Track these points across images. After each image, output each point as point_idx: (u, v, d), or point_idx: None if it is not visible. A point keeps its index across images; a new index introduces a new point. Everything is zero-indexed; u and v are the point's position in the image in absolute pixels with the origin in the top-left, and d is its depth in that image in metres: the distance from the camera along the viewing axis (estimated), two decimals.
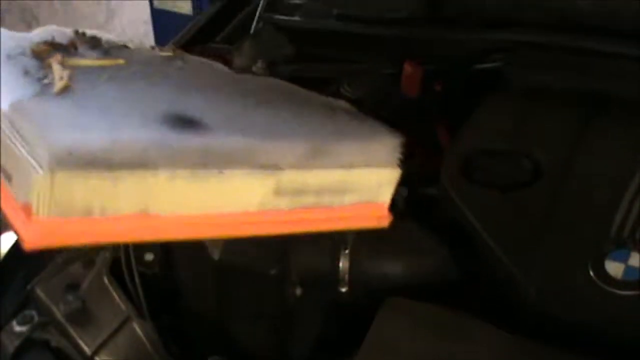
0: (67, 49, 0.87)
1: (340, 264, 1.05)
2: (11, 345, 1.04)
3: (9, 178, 0.68)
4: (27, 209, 0.64)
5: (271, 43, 1.39)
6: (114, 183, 0.65)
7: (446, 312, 0.94)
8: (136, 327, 1.02)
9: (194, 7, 2.75)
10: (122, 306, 1.05)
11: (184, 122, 0.72)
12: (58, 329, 1.05)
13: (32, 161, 0.63)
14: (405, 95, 1.32)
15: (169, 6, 2.80)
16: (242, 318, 1.07)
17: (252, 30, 1.47)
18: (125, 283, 1.09)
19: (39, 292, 1.09)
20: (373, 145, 0.84)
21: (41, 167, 0.62)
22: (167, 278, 1.15)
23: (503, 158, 1.12)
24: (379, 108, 1.28)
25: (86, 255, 1.13)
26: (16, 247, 1.16)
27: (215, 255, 1.04)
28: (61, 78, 0.76)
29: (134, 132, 0.67)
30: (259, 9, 1.48)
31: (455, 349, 0.89)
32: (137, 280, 1.09)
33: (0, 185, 0.69)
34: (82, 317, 1.04)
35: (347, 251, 1.05)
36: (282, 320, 1.07)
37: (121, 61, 0.87)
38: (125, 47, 0.96)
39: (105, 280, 1.08)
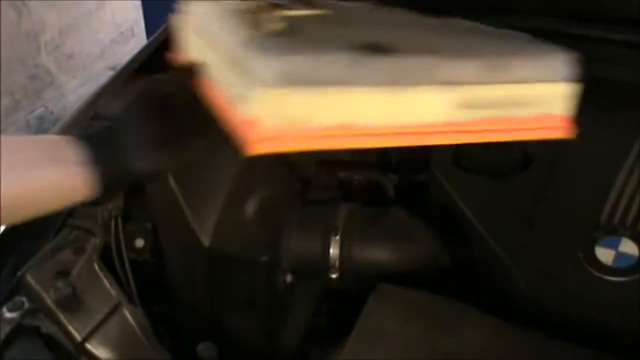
0: (279, 7, 0.94)
1: (331, 250, 1.05)
2: (1, 332, 1.02)
3: (237, 97, 0.80)
4: (251, 121, 0.76)
5: None
6: (320, 97, 0.77)
7: (437, 299, 0.94)
8: (127, 313, 1.01)
9: None
10: (113, 293, 1.04)
11: (377, 48, 0.82)
12: (48, 316, 1.04)
13: (255, 81, 0.75)
14: None
15: None
16: (232, 305, 1.07)
17: None
18: (115, 270, 1.08)
19: (29, 279, 1.08)
20: (546, 60, 0.87)
21: (262, 85, 0.75)
22: (158, 265, 1.14)
23: (493, 145, 1.11)
24: None
25: (76, 241, 1.12)
26: (5, 234, 1.15)
27: (206, 241, 1.03)
28: (278, 27, 0.86)
29: (335, 55, 0.78)
30: None
31: (446, 337, 0.89)
32: (127, 266, 1.08)
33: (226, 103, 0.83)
34: (72, 303, 1.03)
35: (337, 237, 1.05)
36: (273, 307, 1.07)
37: (322, 12, 0.96)
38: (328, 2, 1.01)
39: (96, 267, 1.07)
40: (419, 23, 1.01)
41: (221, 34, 0.87)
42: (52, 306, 1.03)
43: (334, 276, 1.06)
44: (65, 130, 1.27)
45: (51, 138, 0.86)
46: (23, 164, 0.83)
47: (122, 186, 0.90)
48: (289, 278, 1.07)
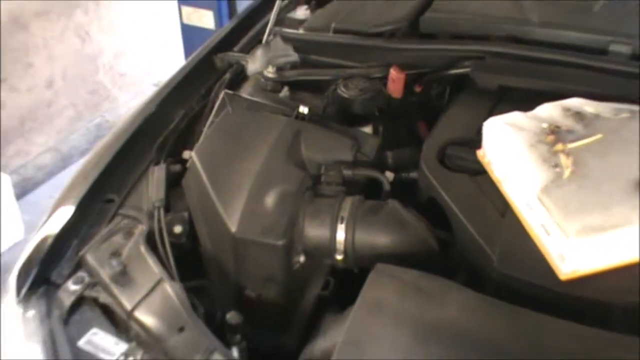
0: (562, 132, 0.99)
1: (337, 236, 1.02)
2: (67, 301, 1.02)
3: (547, 233, 0.90)
4: (561, 257, 0.88)
5: (279, 52, 1.37)
6: (607, 237, 0.87)
7: (426, 277, 0.91)
8: (167, 287, 0.99)
9: (215, 22, 2.74)
10: (156, 270, 1.02)
11: None
12: (104, 289, 1.03)
13: (561, 231, 0.87)
14: (391, 96, 1.29)
15: (195, 22, 2.80)
16: (255, 281, 1.05)
17: (264, 41, 1.44)
18: (158, 251, 1.06)
19: (89, 258, 1.07)
20: None
21: (567, 236, 0.86)
22: (193, 247, 1.12)
23: (472, 147, 1.10)
24: (369, 106, 1.27)
25: (126, 228, 1.11)
26: (70, 222, 1.14)
27: (233, 228, 1.01)
28: (567, 166, 0.93)
29: (619, 205, 0.88)
30: (269, 23, 1.46)
31: (433, 308, 0.87)
32: (168, 248, 1.06)
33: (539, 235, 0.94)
34: (123, 279, 1.01)
35: (343, 225, 1.02)
36: (289, 283, 1.05)
37: (599, 136, 0.98)
38: (596, 115, 1.03)
39: (142, 249, 1.06)
40: None
41: (523, 168, 0.95)
42: (107, 281, 1.02)
43: (339, 257, 1.04)
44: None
45: None
46: None
47: None
48: (302, 259, 1.05)
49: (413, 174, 1.16)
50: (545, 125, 1.01)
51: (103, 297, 1.02)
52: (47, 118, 2.90)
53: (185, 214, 1.13)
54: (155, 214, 1.11)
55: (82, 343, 0.96)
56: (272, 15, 1.47)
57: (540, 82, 1.20)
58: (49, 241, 1.10)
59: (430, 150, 1.12)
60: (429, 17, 1.37)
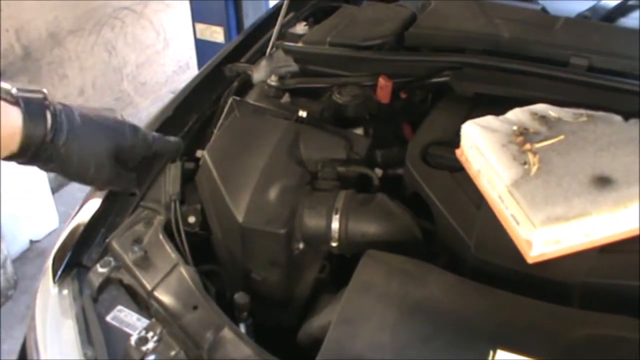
0: (529, 134, 0.98)
1: (332, 225, 1.01)
2: (96, 282, 1.01)
3: (517, 222, 0.89)
4: (529, 243, 0.87)
5: (281, 62, 1.36)
6: (568, 226, 0.86)
7: (410, 261, 0.90)
8: (183, 271, 0.98)
9: (225, 37, 2.76)
10: (173, 255, 1.00)
11: (604, 181, 0.89)
12: (127, 271, 1.01)
13: (528, 220, 0.86)
14: (379, 101, 1.28)
15: (207, 37, 2.81)
16: (260, 265, 1.04)
17: (267, 53, 1.43)
18: (174, 239, 1.05)
19: (114, 244, 1.05)
20: None
21: (534, 225, 0.86)
22: (205, 235, 1.11)
23: (451, 147, 1.09)
24: (360, 110, 1.26)
25: (147, 218, 1.10)
26: (98, 212, 1.13)
27: (240, 218, 1.00)
28: (534, 163, 0.92)
29: (579, 198, 0.88)
30: (272, 38, 1.45)
31: (416, 289, 0.86)
32: (183, 236, 1.05)
33: (511, 224, 0.92)
34: (144, 263, 1.00)
35: (337, 216, 1.01)
36: (289, 267, 1.03)
37: (561, 137, 0.97)
38: (559, 118, 1.02)
39: (161, 237, 1.04)
40: (625, 137, 0.97)
41: (496, 165, 0.95)
42: (130, 264, 1.01)
43: (334, 244, 1.02)
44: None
45: None
46: None
47: None
48: (301, 245, 1.04)
49: (399, 171, 1.15)
50: (514, 127, 1.01)
51: (127, 279, 1.01)
52: None
53: (199, 206, 1.11)
54: (172, 206, 1.10)
55: (109, 318, 0.96)
56: (275, 31, 1.46)
57: (510, 89, 1.19)
58: (80, 229, 1.10)
59: (414, 149, 1.11)
60: (413, 32, 1.36)
